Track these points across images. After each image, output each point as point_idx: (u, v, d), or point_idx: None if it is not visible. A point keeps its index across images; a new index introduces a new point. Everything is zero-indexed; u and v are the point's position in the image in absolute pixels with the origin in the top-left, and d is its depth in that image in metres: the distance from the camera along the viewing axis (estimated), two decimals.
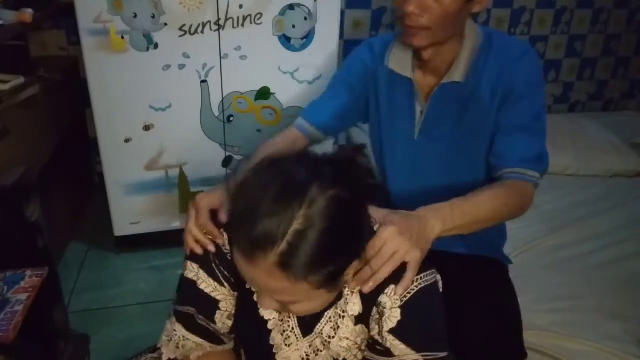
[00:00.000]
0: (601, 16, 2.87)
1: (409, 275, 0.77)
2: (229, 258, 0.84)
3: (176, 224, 2.11)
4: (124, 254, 2.13)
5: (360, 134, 2.45)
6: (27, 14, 1.68)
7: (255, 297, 0.84)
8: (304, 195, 0.63)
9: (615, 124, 2.53)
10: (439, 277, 0.83)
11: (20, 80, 1.66)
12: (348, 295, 0.80)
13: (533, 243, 1.67)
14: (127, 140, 1.90)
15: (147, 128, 1.90)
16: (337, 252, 0.67)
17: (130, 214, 2.03)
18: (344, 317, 0.81)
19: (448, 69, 1.09)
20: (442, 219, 0.88)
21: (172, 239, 2.13)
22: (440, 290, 0.83)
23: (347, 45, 2.55)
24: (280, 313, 0.84)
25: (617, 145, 2.28)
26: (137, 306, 1.88)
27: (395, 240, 0.78)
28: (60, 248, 2.07)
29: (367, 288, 0.77)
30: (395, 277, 0.77)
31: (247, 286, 0.84)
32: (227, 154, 2.03)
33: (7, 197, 1.23)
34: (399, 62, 1.13)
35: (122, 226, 2.06)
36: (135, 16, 1.71)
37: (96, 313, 1.83)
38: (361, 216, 0.71)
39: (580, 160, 2.20)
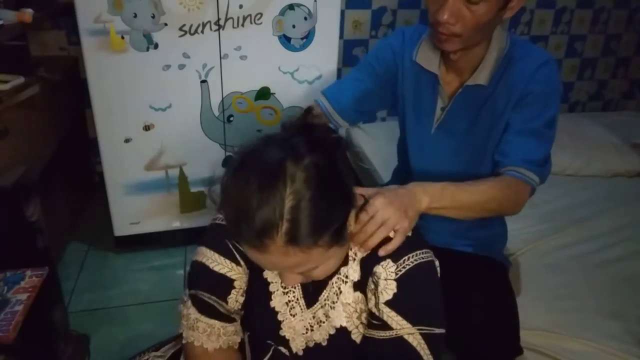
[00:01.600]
0: (601, 16, 2.88)
1: (397, 239, 0.83)
2: None
3: (176, 224, 2.11)
4: (124, 254, 2.13)
5: (361, 134, 2.45)
6: (27, 14, 1.68)
7: (265, 275, 0.89)
8: (283, 174, 0.68)
9: (615, 124, 2.53)
10: (437, 262, 0.87)
11: (20, 80, 1.66)
12: (350, 261, 0.85)
13: (533, 243, 1.67)
14: (127, 140, 1.90)
15: (147, 128, 1.90)
16: (332, 209, 0.71)
17: (130, 214, 2.03)
18: (346, 282, 0.86)
19: (472, 70, 1.12)
20: (430, 195, 0.95)
21: (172, 239, 2.14)
22: (438, 273, 0.86)
23: (347, 45, 2.56)
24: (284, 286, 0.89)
25: (617, 145, 2.28)
26: (137, 306, 1.88)
27: (386, 209, 0.85)
28: (60, 248, 2.07)
29: (363, 251, 0.84)
30: (394, 252, 0.82)
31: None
32: (227, 154, 2.03)
33: (7, 197, 1.23)
34: (427, 58, 1.16)
35: (122, 226, 2.06)
36: (135, 16, 1.71)
37: (96, 313, 1.83)
38: (338, 168, 0.74)
39: (580, 160, 2.20)
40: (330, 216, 0.71)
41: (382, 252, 0.82)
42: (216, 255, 0.88)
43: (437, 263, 0.87)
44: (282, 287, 0.90)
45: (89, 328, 1.67)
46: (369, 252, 0.85)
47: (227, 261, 0.88)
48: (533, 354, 1.28)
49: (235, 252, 0.88)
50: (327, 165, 0.72)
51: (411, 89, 1.22)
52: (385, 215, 0.84)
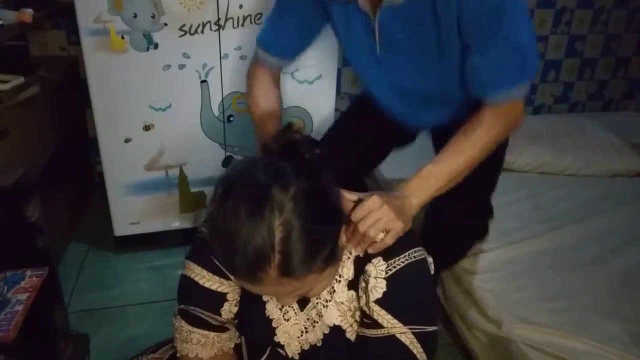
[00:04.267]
0: (601, 16, 2.87)
1: (387, 239, 0.82)
2: None
3: (176, 224, 2.11)
4: (124, 254, 2.12)
5: None
6: (27, 14, 1.68)
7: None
8: (271, 205, 0.66)
9: (615, 124, 2.53)
10: (430, 259, 0.87)
11: (20, 80, 1.65)
12: (345, 259, 0.85)
13: (534, 243, 1.67)
14: (127, 140, 1.90)
15: (147, 128, 1.90)
16: (323, 234, 0.70)
17: (130, 214, 2.03)
18: (339, 281, 0.85)
19: None
20: (416, 195, 0.93)
21: (172, 239, 2.13)
22: (432, 270, 0.86)
23: None
24: None
25: (617, 145, 2.28)
26: (137, 306, 1.88)
27: (380, 209, 0.83)
28: (60, 248, 2.07)
29: (359, 250, 0.83)
30: (385, 250, 0.82)
31: None
32: (227, 154, 2.03)
33: (7, 197, 1.23)
34: None
35: (122, 226, 2.06)
36: (135, 16, 1.71)
37: (96, 313, 1.83)
38: (326, 188, 0.73)
39: (580, 160, 2.20)
40: (322, 242, 0.70)
41: (371, 250, 0.82)
42: (204, 271, 0.88)
43: (430, 260, 0.87)
44: None
45: (89, 328, 1.66)
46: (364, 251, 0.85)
47: (216, 277, 0.88)
48: (533, 351, 1.29)
49: (222, 268, 0.87)
50: (315, 190, 0.70)
51: (340, 15, 1.08)
52: (378, 215, 0.83)
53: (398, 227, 0.84)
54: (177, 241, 2.14)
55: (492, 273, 1.55)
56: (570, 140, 2.27)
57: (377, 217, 0.83)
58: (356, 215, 0.84)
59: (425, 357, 0.81)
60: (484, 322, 1.45)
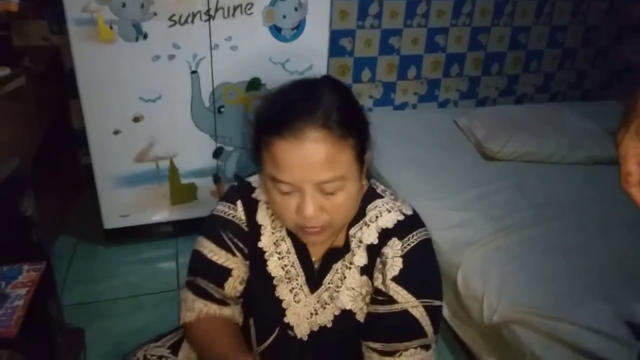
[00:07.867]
0: (582, 7, 2.93)
1: None
2: (245, 229, 0.94)
3: (167, 216, 2.10)
4: (114, 247, 2.11)
5: None
6: (13, 3, 1.65)
7: (268, 269, 0.92)
8: (318, 85, 0.81)
9: (594, 113, 2.59)
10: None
11: (6, 71, 1.62)
12: (355, 248, 0.90)
13: (522, 228, 1.71)
14: (116, 132, 1.87)
15: (136, 119, 1.87)
16: (354, 115, 0.81)
17: (119, 206, 2.01)
18: (350, 268, 0.90)
19: None
20: None
21: (162, 231, 2.12)
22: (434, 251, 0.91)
23: (334, 35, 2.55)
24: (287, 272, 0.92)
25: (597, 133, 2.34)
26: (128, 299, 1.87)
27: None
28: (49, 242, 2.04)
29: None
30: (398, 231, 0.87)
31: (260, 245, 0.94)
32: (218, 145, 2.02)
33: (1, 192, 1.21)
34: None
35: (112, 219, 2.04)
36: (124, 5, 1.68)
37: (88, 306, 1.82)
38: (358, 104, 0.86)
39: (563, 148, 2.25)
40: (353, 118, 0.80)
41: None
42: (213, 245, 0.93)
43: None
44: (286, 278, 0.93)
45: (81, 321, 1.66)
46: (376, 238, 0.88)
47: (223, 252, 0.93)
48: (526, 331, 1.34)
49: (230, 243, 0.93)
50: (351, 93, 0.84)
51: None
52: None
53: None
54: (168, 233, 2.13)
55: (483, 259, 1.59)
56: (553, 129, 2.32)
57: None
58: None
59: (432, 330, 0.86)
60: (476, 308, 1.49)
